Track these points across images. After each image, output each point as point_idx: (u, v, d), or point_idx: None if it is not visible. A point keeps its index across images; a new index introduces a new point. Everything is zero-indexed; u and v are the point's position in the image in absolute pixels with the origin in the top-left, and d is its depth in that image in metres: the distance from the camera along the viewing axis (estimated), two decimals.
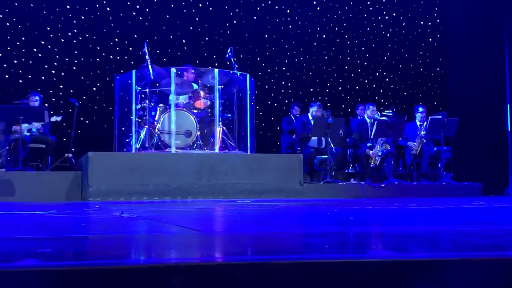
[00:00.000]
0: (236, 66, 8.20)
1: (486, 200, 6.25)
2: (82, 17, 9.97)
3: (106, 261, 1.42)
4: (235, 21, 10.83)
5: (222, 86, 7.86)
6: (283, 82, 11.04)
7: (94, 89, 9.93)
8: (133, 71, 7.81)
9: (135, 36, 10.10)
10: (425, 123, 8.76)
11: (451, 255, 1.54)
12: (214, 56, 10.31)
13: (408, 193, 8.04)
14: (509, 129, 8.63)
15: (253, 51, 10.86)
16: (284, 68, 11.07)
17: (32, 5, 9.73)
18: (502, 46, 8.77)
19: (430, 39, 11.71)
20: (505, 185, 8.67)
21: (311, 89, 11.13)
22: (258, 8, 11.00)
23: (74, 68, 9.87)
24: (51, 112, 8.00)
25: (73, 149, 8.17)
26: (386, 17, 11.62)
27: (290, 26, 11.16)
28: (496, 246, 1.78)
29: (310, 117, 8.71)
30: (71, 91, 9.59)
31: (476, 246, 1.79)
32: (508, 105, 8.64)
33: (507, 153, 8.58)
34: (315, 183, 8.16)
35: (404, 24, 11.66)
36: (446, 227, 2.75)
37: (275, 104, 10.89)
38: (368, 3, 11.55)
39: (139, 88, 7.70)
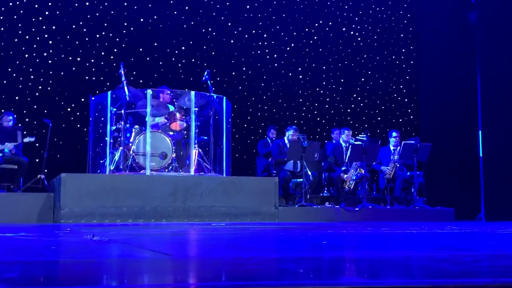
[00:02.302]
0: (213, 88, 8.22)
1: (458, 225, 6.32)
2: (58, 37, 9.91)
3: (74, 287, 1.39)
4: (212, 44, 10.88)
5: (198, 109, 7.86)
6: (259, 105, 11.09)
7: (69, 109, 9.83)
8: (109, 92, 7.76)
9: (111, 57, 10.06)
10: (399, 147, 8.86)
11: (422, 282, 1.55)
12: (191, 79, 10.32)
13: (382, 217, 8.09)
14: (481, 155, 8.77)
15: (230, 74, 10.90)
16: (260, 92, 11.12)
17: (7, 24, 9.65)
18: (474, 72, 8.96)
19: (404, 65, 11.92)
20: (477, 210, 8.77)
21: (287, 113, 11.19)
22: (235, 32, 11.08)
23: (49, 88, 9.77)
24: (24, 132, 7.88)
25: (45, 170, 8.04)
26: (361, 43, 11.80)
27: (266, 50, 11.25)
28: (466, 273, 1.79)
29: (286, 141, 8.75)
30: (45, 111, 9.47)
31: (446, 272, 1.80)
32: (480, 131, 8.79)
33: (479, 178, 8.70)
34: (290, 206, 8.16)
35: (378, 50, 11.86)
36: (419, 252, 2.77)
37: (251, 127, 10.91)
38: (344, 29, 11.73)
39: (115, 109, 7.65)
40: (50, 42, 9.88)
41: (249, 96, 11.02)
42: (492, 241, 3.70)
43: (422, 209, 8.54)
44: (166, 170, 7.51)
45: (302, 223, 6.82)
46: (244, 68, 11.06)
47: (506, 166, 8.61)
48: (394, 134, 9.18)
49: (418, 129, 11.04)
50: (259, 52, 11.20)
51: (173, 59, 10.58)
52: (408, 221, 7.78)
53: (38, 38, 9.80)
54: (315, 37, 11.59)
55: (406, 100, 11.84)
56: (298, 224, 6.38)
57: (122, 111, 7.56)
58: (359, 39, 11.81)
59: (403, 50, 11.96)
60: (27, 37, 9.74)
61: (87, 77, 9.96)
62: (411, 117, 11.67)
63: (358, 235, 4.24)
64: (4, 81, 9.53)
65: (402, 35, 12.00)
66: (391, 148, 9.10)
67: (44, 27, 9.85)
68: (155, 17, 10.54)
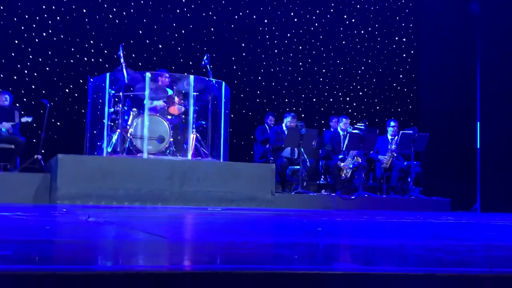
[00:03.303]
0: (212, 73, 8.19)
1: (454, 216, 6.34)
2: (58, 18, 9.85)
3: (67, 266, 1.39)
4: (212, 29, 10.82)
5: (197, 93, 7.83)
6: (258, 91, 11.06)
7: (67, 90, 9.80)
8: (107, 74, 7.72)
9: (111, 39, 10.00)
10: (396, 137, 8.86)
11: (416, 270, 1.55)
12: (190, 63, 10.28)
13: (378, 206, 8.11)
14: (478, 147, 8.78)
15: (229, 59, 10.86)
16: (260, 78, 11.09)
17: (6, 4, 9.57)
18: (474, 64, 8.94)
19: (404, 55, 11.89)
20: (473, 201, 8.80)
21: (286, 99, 11.17)
22: (236, 17, 11.02)
23: (47, 69, 9.73)
24: (22, 112, 7.86)
25: (42, 151, 8.03)
26: (362, 32, 11.76)
27: (267, 36, 11.20)
28: (460, 262, 1.79)
29: (284, 128, 8.73)
30: (43, 91, 9.44)
31: (440, 261, 1.80)
32: (478, 123, 8.79)
33: (476, 170, 8.73)
34: (286, 193, 8.18)
35: (379, 39, 11.82)
36: (413, 241, 2.77)
37: (250, 113, 10.89)
38: (345, 16, 11.67)
39: (113, 92, 7.62)
40: (50, 22, 9.82)
41: (248, 82, 10.99)
42: (487, 232, 3.71)
43: (418, 199, 8.57)
44: (164, 154, 7.50)
45: (298, 210, 6.84)
46: (244, 54, 11.01)
47: (503, 158, 8.63)
48: (392, 123, 9.18)
49: (416, 119, 11.04)
50: (259, 37, 11.15)
51: (173, 42, 10.52)
52: (404, 211, 7.80)
53: (37, 18, 9.74)
54: (316, 24, 11.54)
55: (405, 90, 11.82)
56: (294, 211, 6.39)
57: (121, 94, 7.53)
58: (360, 27, 11.77)
59: (404, 40, 11.92)
60: (26, 16, 9.67)
61: (86, 59, 9.92)
62: (410, 107, 11.66)
63: (354, 223, 4.25)
64: (3, 60, 9.47)
65: (403, 24, 11.95)
66: (389, 137, 9.10)
67: (44, 6, 9.78)
68: None
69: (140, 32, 10.32)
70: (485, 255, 2.10)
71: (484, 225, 4.49)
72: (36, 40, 9.71)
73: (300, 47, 11.42)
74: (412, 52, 11.83)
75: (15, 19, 9.61)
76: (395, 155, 8.97)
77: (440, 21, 10.46)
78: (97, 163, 6.97)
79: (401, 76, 11.87)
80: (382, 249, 2.20)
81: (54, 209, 5.25)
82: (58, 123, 9.61)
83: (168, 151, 7.54)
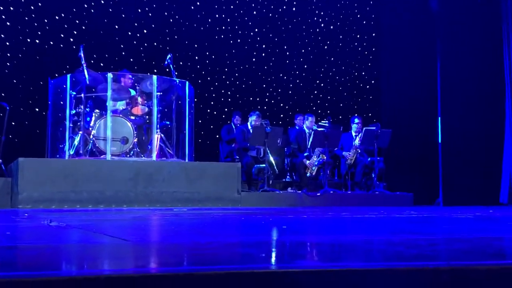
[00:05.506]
0: (176, 73, 8.14)
1: (417, 210, 6.45)
2: (16, 19, 9.62)
3: (27, 273, 1.36)
4: (174, 28, 10.75)
5: (161, 93, 7.79)
6: (222, 91, 11.04)
7: (27, 93, 9.59)
8: (68, 76, 7.62)
9: (71, 39, 9.84)
10: (360, 134, 8.97)
11: (379, 265, 1.58)
12: (153, 62, 10.19)
13: (343, 202, 8.21)
14: (439, 141, 8.94)
15: (193, 58, 10.81)
16: (224, 77, 11.07)
17: None
18: (435, 60, 9.09)
19: (366, 52, 12.03)
20: (436, 196, 8.96)
21: (251, 98, 11.18)
22: (198, 16, 10.97)
23: (6, 71, 9.50)
24: None
25: (3, 155, 7.84)
26: (324, 30, 11.85)
27: (230, 35, 11.19)
28: (420, 256, 1.83)
29: (249, 127, 8.75)
30: (3, 94, 9.23)
31: (402, 256, 1.83)
32: (439, 118, 8.95)
33: (438, 164, 8.88)
34: (252, 192, 8.19)
35: (340, 36, 11.93)
36: (377, 236, 2.81)
37: (215, 112, 10.87)
38: (307, 15, 11.74)
39: (74, 93, 7.51)
40: (8, 23, 9.59)
41: (213, 81, 10.96)
42: (449, 225, 3.79)
43: (382, 194, 8.70)
44: (128, 155, 7.43)
45: (264, 208, 6.86)
46: (207, 53, 10.97)
47: (464, 152, 8.81)
48: (356, 120, 9.28)
49: (379, 116, 11.18)
50: (222, 36, 11.13)
51: (135, 42, 10.41)
52: (368, 206, 7.90)
53: None
54: (279, 22, 11.58)
55: (367, 86, 11.97)
56: (260, 209, 6.41)
57: (82, 95, 7.43)
58: (322, 25, 11.86)
59: (365, 37, 12.06)
60: None
61: (46, 60, 9.71)
62: (373, 103, 11.81)
63: (319, 220, 4.29)
64: None
65: (364, 22, 12.10)
66: (353, 134, 9.20)
67: (1, 8, 9.55)
68: None
69: (101, 32, 10.17)
70: (444, 249, 2.15)
71: (445, 218, 4.59)
72: None
73: (264, 45, 11.44)
74: (373, 49, 11.97)
75: None
76: (359, 151, 9.08)
77: (400, 17, 10.61)
78: (59, 166, 6.86)
79: (363, 73, 12.01)
80: (347, 246, 2.23)
81: (16, 214, 5.14)
82: (19, 126, 9.40)
83: (132, 152, 7.47)
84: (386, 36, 11.04)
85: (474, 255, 1.87)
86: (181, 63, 10.30)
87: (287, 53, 11.59)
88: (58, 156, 7.59)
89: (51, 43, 9.82)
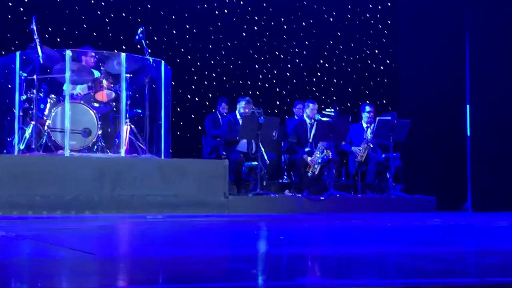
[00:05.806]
0: (149, 50, 8.13)
1: (441, 217, 6.50)
2: None
3: None
4: None
5: (131, 75, 7.78)
6: (206, 72, 11.02)
7: None
8: (17, 53, 7.58)
9: (21, 9, 9.79)
10: (373, 125, 8.99)
11: (396, 283, 1.58)
12: (121, 38, 10.16)
13: (352, 207, 8.24)
14: (468, 134, 8.97)
15: (169, 33, 10.77)
16: (207, 55, 11.05)
17: None
18: (463, 36, 9.11)
19: (380, 26, 12.04)
20: (463, 199, 9.01)
21: (240, 82, 11.17)
22: None
23: None
24: None
25: None
26: (331, 4, 11.84)
27: (215, 4, 11.15)
28: (446, 271, 1.84)
29: (238, 116, 8.75)
30: None
31: (423, 271, 1.84)
32: (468, 106, 8.98)
33: (466, 162, 8.91)
34: (242, 195, 8.20)
35: (349, 6, 11.92)
36: (393, 249, 2.83)
37: (196, 99, 10.86)
38: None
39: (25, 75, 7.49)
40: None
41: (194, 61, 10.94)
42: (480, 236, 3.82)
43: (398, 197, 8.73)
44: (91, 151, 7.43)
45: (257, 215, 6.90)
46: (187, 26, 10.94)
47: (498, 148, 8.84)
48: (367, 108, 9.30)
49: (395, 103, 11.21)
50: (205, 6, 11.09)
51: (99, 13, 10.37)
52: (383, 212, 7.95)
53: None
54: None
55: (382, 67, 11.99)
56: (252, 217, 6.46)
57: (34, 77, 7.40)
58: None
59: (379, 7, 12.06)
60: None
61: None
62: (388, 88, 11.84)
63: (323, 228, 4.31)
64: None
65: None
66: (364, 125, 9.23)
67: None
68: None
69: (58, 0, 10.12)
70: (475, 263, 2.16)
71: (475, 227, 4.62)
72: None
73: (256, 17, 11.42)
74: (389, 22, 11.99)
75: None
76: (371, 146, 9.11)
77: None
78: (6, 163, 6.85)
79: (376, 51, 12.02)
80: (356, 259, 2.25)
81: None
82: None
83: (95, 147, 7.47)
84: (406, 6, 11.03)
85: (510, 270, 1.88)
86: (155, 38, 10.27)
87: (284, 27, 11.58)
88: (5, 151, 7.59)
89: None
